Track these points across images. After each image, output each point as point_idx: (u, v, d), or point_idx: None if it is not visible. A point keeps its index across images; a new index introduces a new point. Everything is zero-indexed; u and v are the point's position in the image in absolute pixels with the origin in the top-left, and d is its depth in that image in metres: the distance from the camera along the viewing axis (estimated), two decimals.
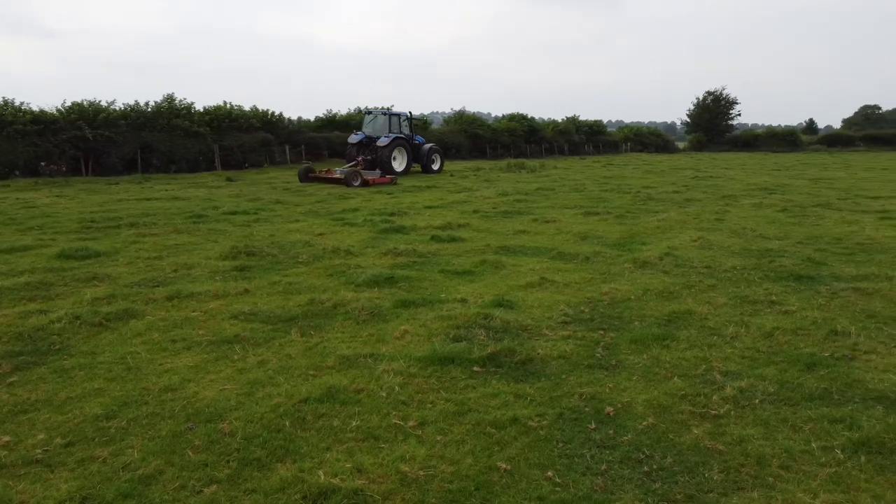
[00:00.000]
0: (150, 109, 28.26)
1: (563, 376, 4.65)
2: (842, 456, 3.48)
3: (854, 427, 3.76)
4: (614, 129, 64.28)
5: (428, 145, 27.24)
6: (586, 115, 57.80)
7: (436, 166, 27.08)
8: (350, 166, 23.19)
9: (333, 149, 36.38)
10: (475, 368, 4.76)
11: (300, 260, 8.80)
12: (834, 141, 65.39)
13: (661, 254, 8.86)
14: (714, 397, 4.24)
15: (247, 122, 31.65)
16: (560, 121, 53.25)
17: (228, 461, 3.44)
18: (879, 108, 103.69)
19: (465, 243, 10.12)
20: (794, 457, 3.48)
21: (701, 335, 5.53)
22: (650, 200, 16.25)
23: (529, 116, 49.29)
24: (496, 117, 56.46)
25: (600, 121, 57.62)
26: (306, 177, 22.29)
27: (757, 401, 4.18)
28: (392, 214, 13.63)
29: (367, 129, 25.53)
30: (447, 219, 12.73)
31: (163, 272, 8.02)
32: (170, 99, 29.20)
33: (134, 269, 8.25)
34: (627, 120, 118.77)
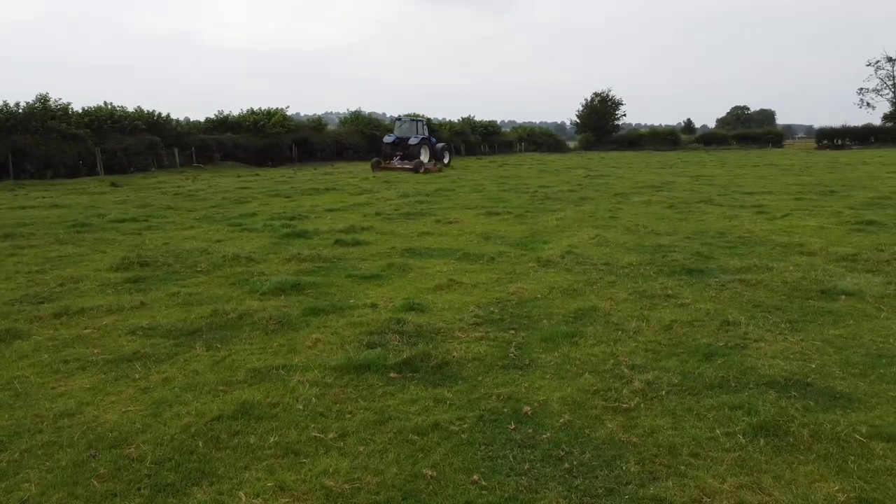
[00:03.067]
0: (21, 110, 26.27)
1: (480, 378, 4.69)
2: (743, 440, 3.71)
3: (752, 412, 4.01)
4: (508, 130, 65.78)
5: (440, 144, 34.83)
6: (481, 115, 58.84)
7: (446, 160, 34.23)
8: (401, 159, 30.89)
9: (226, 151, 35.20)
10: (392, 375, 4.72)
11: (199, 269, 8.43)
12: (710, 140, 69.88)
13: (563, 252, 9.14)
14: (624, 391, 4.41)
15: (131, 124, 30.12)
16: (456, 121, 53.94)
17: (139, 489, 3.24)
18: (748, 109, 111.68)
19: (370, 246, 10.05)
20: (702, 444, 3.68)
21: (606, 331, 5.74)
22: (547, 200, 16.74)
23: (426, 117, 49.57)
24: (392, 118, 56.38)
25: (494, 121, 58.85)
26: (378, 166, 30.29)
27: (663, 392, 4.39)
28: (292, 218, 13.34)
29: (398, 132, 33.37)
30: (350, 222, 12.61)
31: (47, 287, 7.47)
32: (43, 99, 27.32)
33: (13, 284, 7.64)
34: (520, 120, 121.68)
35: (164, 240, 10.81)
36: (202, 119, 39.34)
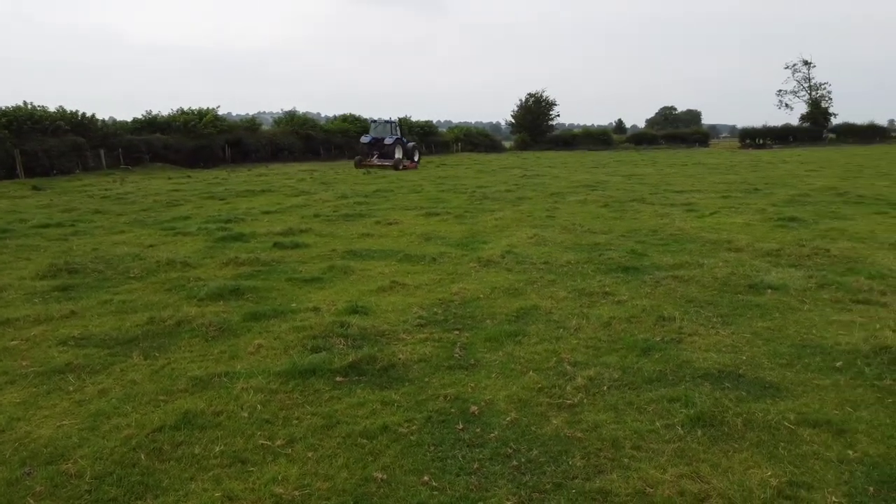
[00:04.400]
0: None
1: (426, 379, 4.72)
2: (682, 432, 3.86)
3: (689, 404, 4.18)
4: (444, 130, 66.01)
5: (411, 143, 36.90)
6: (417, 115, 58.89)
7: (416, 158, 36.24)
8: (378, 157, 34.11)
9: (155, 152, 34.11)
10: (338, 379, 4.70)
11: (132, 275, 8.17)
12: (640, 139, 71.89)
13: (503, 252, 9.26)
14: (567, 387, 4.52)
15: (53, 125, 28.83)
16: (370, 121, 53.81)
17: None
18: (675, 109, 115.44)
19: (309, 249, 9.94)
20: (643, 436, 3.81)
21: (548, 329, 5.86)
22: (486, 199, 16.90)
23: (362, 117, 49.33)
24: (328, 118, 55.85)
25: (431, 121, 58.98)
26: (360, 164, 33.36)
27: (605, 387, 4.52)
28: (228, 221, 13.05)
29: (373, 133, 36.09)
30: (288, 224, 12.45)
31: None
32: None
33: None
34: (456, 120, 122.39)
35: (94, 245, 10.42)
36: (129, 119, 38.01)
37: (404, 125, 53.41)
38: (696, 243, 10.01)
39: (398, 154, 34.63)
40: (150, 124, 37.02)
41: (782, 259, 8.66)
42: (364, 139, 35.90)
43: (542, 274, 8.00)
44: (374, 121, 38.17)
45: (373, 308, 6.53)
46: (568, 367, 4.91)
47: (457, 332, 5.78)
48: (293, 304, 6.72)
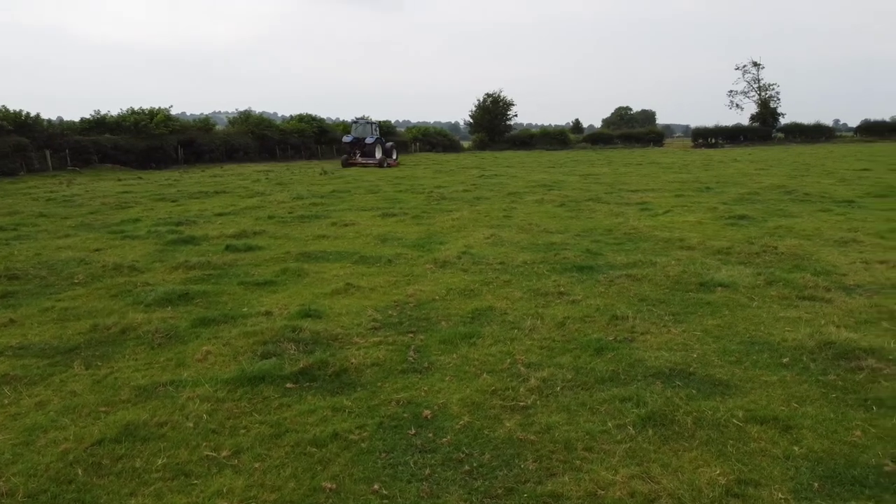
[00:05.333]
0: None
1: (379, 384, 4.65)
2: (633, 432, 3.87)
3: (641, 404, 4.20)
4: (403, 130, 65.77)
5: (389, 143, 38.67)
6: (376, 115, 58.58)
7: (394, 157, 37.80)
8: (362, 155, 35.70)
9: (105, 153, 33.18)
10: (288, 385, 4.60)
11: (76, 281, 7.89)
12: (596, 139, 72.64)
13: (459, 252, 9.23)
14: (521, 389, 4.50)
15: None
16: (351, 121, 53.41)
17: None
18: (631, 109, 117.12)
19: (263, 251, 9.76)
20: (595, 438, 3.81)
21: (503, 330, 5.84)
22: (443, 200, 16.86)
23: (319, 117, 48.87)
24: (284, 118, 55.17)
25: (389, 121, 58.70)
26: (347, 163, 35.20)
27: (558, 388, 4.51)
28: (179, 224, 12.75)
29: (355, 133, 37.33)
30: (241, 226, 12.21)
31: None
32: None
33: None
34: (414, 120, 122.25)
35: (36, 250, 10.05)
36: (77, 119, 36.92)
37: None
38: (649, 242, 10.14)
39: (378, 153, 36.20)
40: (99, 124, 36.01)
41: (732, 257, 8.82)
42: (346, 139, 37.22)
43: (497, 274, 7.99)
44: (356, 121, 39.38)
45: (326, 311, 6.43)
46: (522, 368, 4.89)
47: (411, 335, 5.72)
48: (244, 309, 6.58)
